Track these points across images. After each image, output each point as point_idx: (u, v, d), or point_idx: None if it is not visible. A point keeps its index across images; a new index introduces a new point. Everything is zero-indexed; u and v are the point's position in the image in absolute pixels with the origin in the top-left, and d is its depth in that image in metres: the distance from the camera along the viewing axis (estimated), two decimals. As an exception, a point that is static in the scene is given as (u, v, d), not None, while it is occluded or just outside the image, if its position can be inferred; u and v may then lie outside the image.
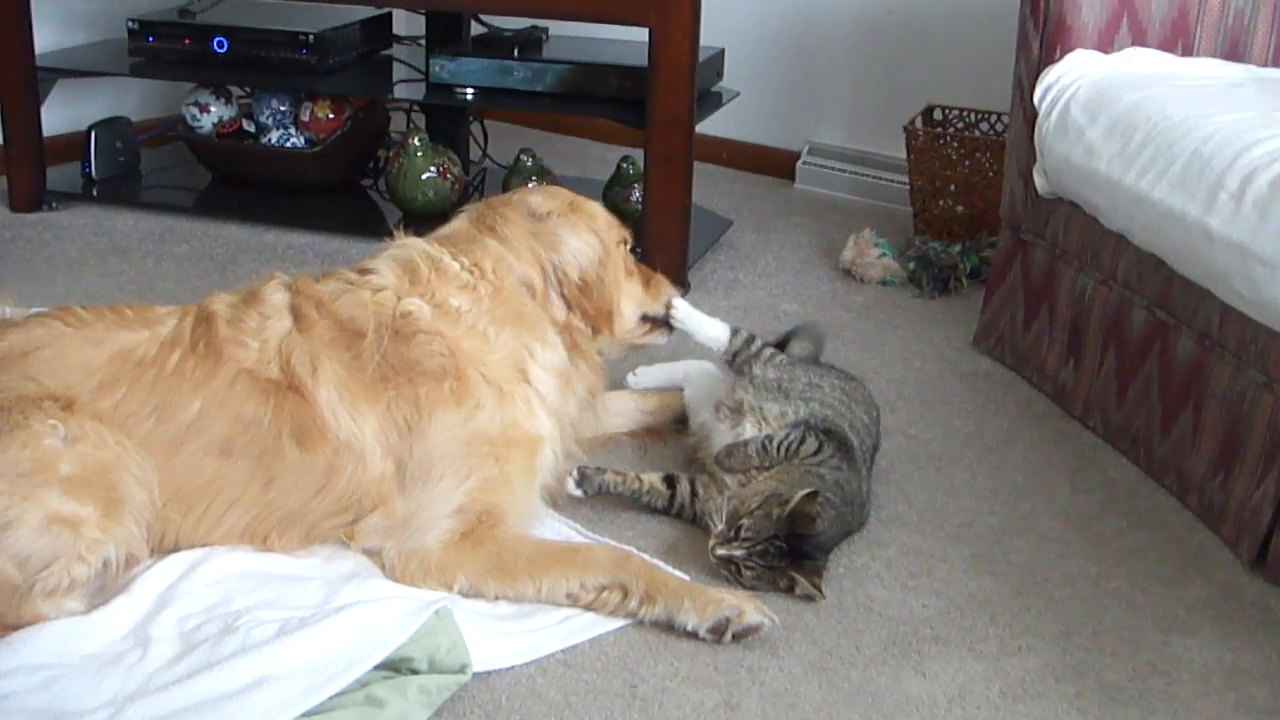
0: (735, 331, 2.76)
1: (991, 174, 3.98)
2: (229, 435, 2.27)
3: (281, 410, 2.29)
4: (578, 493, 2.49)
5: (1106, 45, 3.10)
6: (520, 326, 2.45)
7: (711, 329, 2.75)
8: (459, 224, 2.58)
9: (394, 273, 2.44)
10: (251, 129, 4.30)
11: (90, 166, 4.28)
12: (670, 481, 2.53)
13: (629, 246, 2.69)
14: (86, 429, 2.16)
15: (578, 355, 2.56)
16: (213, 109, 4.26)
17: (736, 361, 2.73)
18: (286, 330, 2.35)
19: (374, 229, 4.08)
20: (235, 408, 2.28)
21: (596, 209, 2.64)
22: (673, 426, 2.87)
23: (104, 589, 2.16)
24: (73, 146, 4.34)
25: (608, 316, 2.59)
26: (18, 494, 2.06)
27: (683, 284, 3.58)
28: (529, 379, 2.44)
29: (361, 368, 2.34)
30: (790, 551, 2.28)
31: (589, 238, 2.56)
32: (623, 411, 2.85)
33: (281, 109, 4.25)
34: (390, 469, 2.32)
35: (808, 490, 2.28)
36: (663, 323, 2.74)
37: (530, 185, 4.01)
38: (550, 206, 2.57)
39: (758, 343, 2.75)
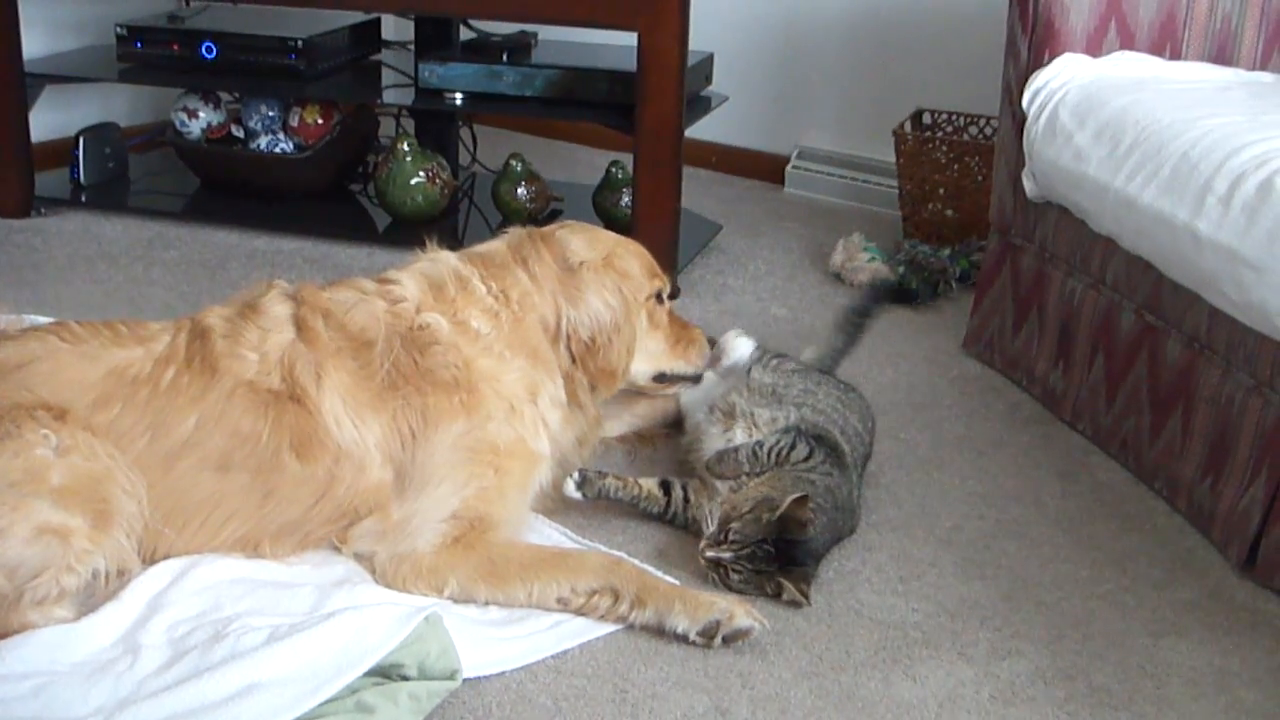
0: (754, 347, 2.79)
1: (980, 178, 3.99)
2: (226, 450, 2.26)
3: (281, 422, 2.28)
4: (577, 495, 2.48)
5: (1095, 49, 3.11)
6: (535, 360, 2.45)
7: (742, 350, 2.76)
8: (497, 246, 2.55)
9: (418, 286, 2.44)
10: (240, 134, 4.29)
11: (79, 172, 4.27)
12: (666, 487, 2.53)
13: (666, 293, 2.62)
14: (78, 440, 2.15)
15: (575, 403, 2.53)
16: (201, 114, 4.26)
17: (749, 374, 2.75)
18: (288, 341, 2.34)
19: (363, 234, 4.11)
20: (232, 422, 2.27)
21: (633, 264, 2.56)
22: (661, 431, 2.87)
23: (93, 598, 2.15)
24: (61, 152, 4.33)
25: (609, 377, 2.53)
26: (7, 504, 2.04)
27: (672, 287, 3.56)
28: (536, 401, 2.44)
29: (370, 376, 2.33)
30: (779, 556, 2.28)
31: (612, 299, 2.50)
32: (612, 416, 2.85)
33: (270, 114, 4.24)
34: (389, 477, 2.32)
35: (798, 494, 2.28)
36: (681, 379, 2.67)
37: (525, 189, 4.02)
38: (585, 257, 2.51)
39: (768, 355, 2.78)
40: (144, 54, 4.17)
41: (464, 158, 4.52)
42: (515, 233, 2.58)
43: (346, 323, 2.37)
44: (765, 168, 4.85)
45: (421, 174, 4.01)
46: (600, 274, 2.50)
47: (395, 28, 4.71)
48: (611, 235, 2.61)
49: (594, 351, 2.49)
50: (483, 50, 4.07)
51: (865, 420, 2.69)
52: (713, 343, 2.72)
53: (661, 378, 2.65)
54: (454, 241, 2.87)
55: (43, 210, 4.18)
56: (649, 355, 2.61)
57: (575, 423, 2.54)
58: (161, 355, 2.32)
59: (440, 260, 2.51)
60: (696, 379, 2.68)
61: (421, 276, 2.46)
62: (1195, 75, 3.07)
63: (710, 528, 2.35)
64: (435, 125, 4.38)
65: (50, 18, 4.42)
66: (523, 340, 2.44)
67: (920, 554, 2.50)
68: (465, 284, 2.45)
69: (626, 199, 3.92)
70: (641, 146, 3.65)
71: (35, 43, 4.23)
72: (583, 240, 2.55)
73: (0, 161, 4.12)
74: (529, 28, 4.17)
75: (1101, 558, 2.51)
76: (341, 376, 2.32)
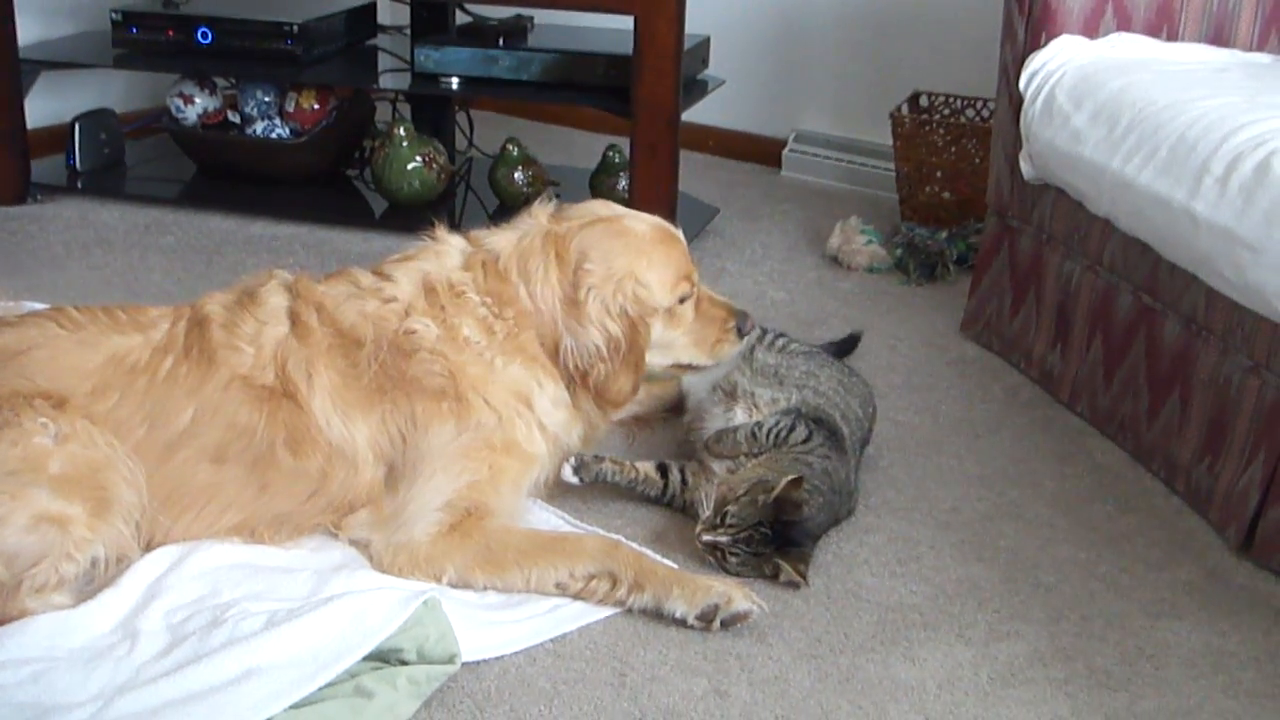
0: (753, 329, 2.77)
1: (978, 160, 3.98)
2: (222, 442, 2.26)
3: (275, 417, 2.27)
4: (575, 480, 2.47)
5: (1091, 31, 3.10)
6: (531, 362, 2.38)
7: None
8: (508, 244, 2.41)
9: (412, 287, 2.37)
10: (236, 120, 4.28)
11: (75, 159, 4.26)
12: (663, 470, 2.53)
13: (693, 292, 2.47)
14: (77, 428, 2.16)
15: (576, 407, 2.45)
16: (197, 100, 4.25)
17: (748, 356, 2.73)
18: (282, 336, 2.32)
19: (360, 219, 4.10)
20: (229, 415, 2.27)
21: (652, 282, 2.40)
22: (661, 415, 2.87)
23: (92, 585, 2.16)
24: (57, 138, 4.32)
25: (611, 403, 2.44)
26: (6, 492, 2.05)
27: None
28: (532, 406, 2.38)
29: (358, 376, 2.31)
30: (776, 538, 2.29)
31: (615, 326, 2.36)
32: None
33: (266, 99, 4.23)
34: (382, 474, 2.32)
35: (793, 476, 2.28)
36: (698, 368, 2.57)
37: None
38: (595, 280, 2.36)
39: (770, 335, 2.77)
40: (139, 40, 4.15)
41: (460, 142, 4.52)
42: (532, 232, 2.42)
43: (338, 318, 2.35)
44: (762, 151, 4.84)
45: (418, 159, 4.01)
46: (608, 300, 2.37)
47: (391, 12, 4.70)
48: (637, 240, 2.42)
49: (593, 377, 2.39)
50: (479, 34, 4.06)
51: (866, 405, 2.69)
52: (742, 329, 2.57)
53: (679, 365, 2.56)
54: (450, 228, 2.80)
55: (39, 197, 4.18)
56: (665, 350, 2.50)
57: (580, 420, 2.47)
58: (160, 344, 2.31)
59: (444, 256, 2.43)
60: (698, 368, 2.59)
61: (419, 275, 2.39)
62: (1192, 56, 3.07)
63: (707, 511, 2.36)
64: (431, 110, 4.38)
65: (45, 4, 4.41)
66: (518, 347, 2.37)
67: (918, 536, 2.51)
68: (459, 294, 2.37)
69: (623, 183, 3.91)
70: (638, 130, 3.65)
71: (30, 29, 4.21)
72: (600, 254, 2.38)
73: (-4, 148, 4.12)
74: (525, 11, 4.16)
75: (1099, 539, 2.52)
76: (332, 376, 2.31)
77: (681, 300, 2.46)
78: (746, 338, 2.57)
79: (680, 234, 2.51)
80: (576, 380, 2.40)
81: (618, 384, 2.41)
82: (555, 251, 2.39)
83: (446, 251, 2.45)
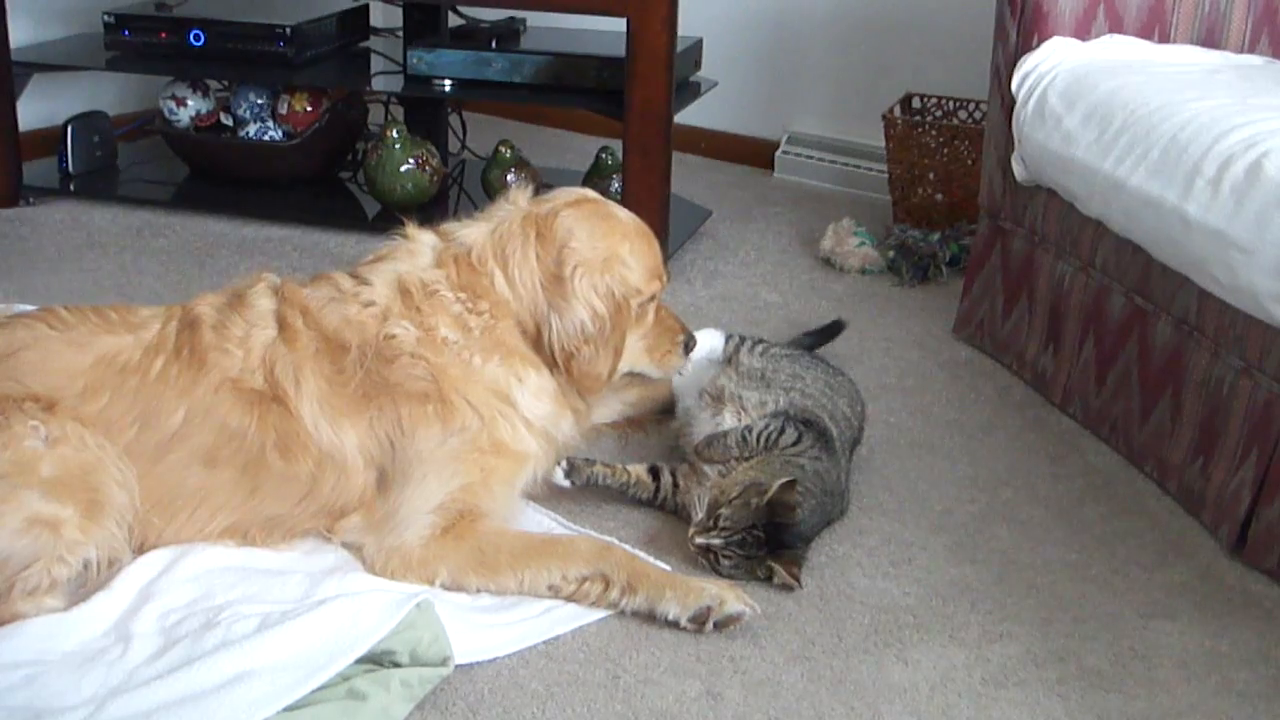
0: (728, 337, 2.78)
1: (970, 162, 3.99)
2: (213, 445, 2.26)
3: (265, 421, 2.27)
4: (566, 483, 2.47)
5: (1083, 33, 3.10)
6: (512, 356, 2.38)
7: (711, 341, 2.77)
8: (481, 235, 2.41)
9: (388, 290, 2.37)
10: (229, 122, 4.28)
11: (67, 161, 4.26)
12: (655, 473, 2.53)
13: (660, 295, 2.52)
14: (68, 431, 2.16)
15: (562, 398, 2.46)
16: (190, 102, 4.24)
17: (733, 361, 2.74)
18: (270, 339, 2.32)
19: (353, 222, 4.10)
20: (219, 417, 2.26)
21: (635, 267, 2.43)
22: (654, 417, 2.87)
23: (84, 588, 2.15)
24: (49, 141, 4.31)
25: (594, 381, 2.43)
26: (-2, 495, 2.05)
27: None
28: (515, 404, 2.37)
29: (344, 383, 2.31)
30: (769, 541, 2.29)
31: (602, 306, 2.38)
32: (604, 402, 2.84)
33: (259, 102, 4.23)
34: (373, 478, 2.31)
35: (786, 479, 2.28)
36: (649, 376, 2.64)
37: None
38: (582, 258, 2.37)
39: (749, 341, 2.77)
40: (132, 42, 4.15)
41: (453, 144, 4.52)
42: (510, 216, 2.43)
43: (322, 323, 2.34)
44: (755, 153, 4.84)
45: (411, 161, 4.00)
46: (594, 278, 2.38)
47: (384, 14, 4.70)
48: (621, 225, 2.47)
49: (577, 359, 2.40)
50: (471, 37, 4.06)
51: (854, 404, 2.69)
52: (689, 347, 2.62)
53: (628, 371, 2.58)
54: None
55: (31, 199, 4.17)
56: (627, 356, 2.51)
57: (566, 409, 2.48)
58: (151, 344, 2.31)
59: (416, 255, 2.43)
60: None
61: (393, 277, 2.39)
62: (1184, 58, 3.07)
63: (699, 513, 2.36)
64: (424, 112, 4.37)
65: (37, 6, 4.40)
66: (496, 341, 2.37)
67: (911, 537, 2.51)
68: (433, 293, 2.36)
69: (616, 184, 3.91)
70: (631, 132, 3.65)
71: (22, 31, 4.21)
72: (586, 232, 2.40)
73: (-12, 151, 4.11)
74: (518, 14, 4.16)
75: (1092, 540, 2.52)
76: (319, 382, 2.30)
77: (651, 298, 2.49)
78: (707, 350, 2.67)
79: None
80: (560, 363, 2.40)
81: (596, 367, 2.42)
82: (537, 231, 2.40)
83: (418, 250, 2.44)
